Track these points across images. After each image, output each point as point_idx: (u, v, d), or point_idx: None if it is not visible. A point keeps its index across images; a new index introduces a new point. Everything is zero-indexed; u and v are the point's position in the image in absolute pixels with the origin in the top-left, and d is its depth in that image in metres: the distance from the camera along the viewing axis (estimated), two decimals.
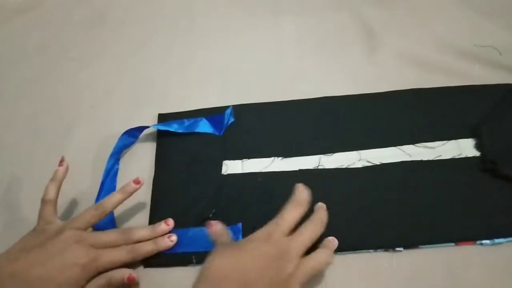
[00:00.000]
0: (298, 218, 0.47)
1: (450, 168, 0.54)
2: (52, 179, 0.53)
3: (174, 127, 0.61)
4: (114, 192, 0.52)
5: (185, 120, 0.61)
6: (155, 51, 0.74)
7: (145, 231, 0.51)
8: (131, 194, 0.52)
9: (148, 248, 0.50)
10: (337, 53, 0.70)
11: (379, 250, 0.50)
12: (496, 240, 0.49)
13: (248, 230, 0.51)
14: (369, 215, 0.52)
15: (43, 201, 0.51)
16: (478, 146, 0.56)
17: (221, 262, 0.42)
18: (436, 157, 0.56)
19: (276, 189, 0.55)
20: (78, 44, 0.77)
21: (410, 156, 0.56)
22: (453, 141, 0.57)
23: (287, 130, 0.60)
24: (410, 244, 0.50)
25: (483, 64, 0.65)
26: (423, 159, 0.55)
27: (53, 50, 0.76)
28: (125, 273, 0.48)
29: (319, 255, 0.46)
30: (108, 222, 0.54)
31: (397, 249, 0.49)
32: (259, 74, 0.68)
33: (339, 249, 0.50)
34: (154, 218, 0.55)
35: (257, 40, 0.73)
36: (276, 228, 0.45)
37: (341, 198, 0.53)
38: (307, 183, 0.55)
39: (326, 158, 0.57)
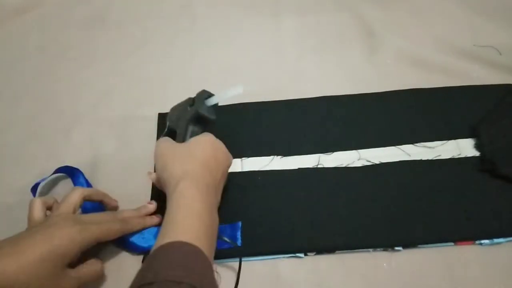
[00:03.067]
0: None
1: (450, 167, 0.55)
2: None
3: None
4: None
5: None
6: (155, 51, 0.74)
7: (130, 212, 0.53)
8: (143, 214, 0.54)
9: (137, 222, 0.52)
10: (337, 53, 0.70)
11: (378, 249, 0.50)
12: (495, 240, 0.49)
13: (247, 229, 0.51)
14: (368, 214, 0.52)
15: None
16: (477, 146, 0.56)
17: (160, 146, 0.51)
18: (436, 156, 0.56)
19: (276, 187, 0.55)
20: (78, 44, 0.77)
21: (410, 155, 0.56)
22: (453, 141, 0.57)
23: (287, 129, 0.60)
24: (409, 243, 0.50)
25: (483, 64, 0.65)
26: (423, 159, 0.55)
27: (53, 50, 0.76)
28: None
29: None
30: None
31: (396, 248, 0.49)
32: (259, 74, 0.68)
33: (338, 248, 0.50)
34: None
35: (257, 40, 0.73)
36: None
37: (340, 197, 0.53)
38: (306, 182, 0.55)
39: (325, 157, 0.57)
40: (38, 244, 0.42)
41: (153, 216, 0.53)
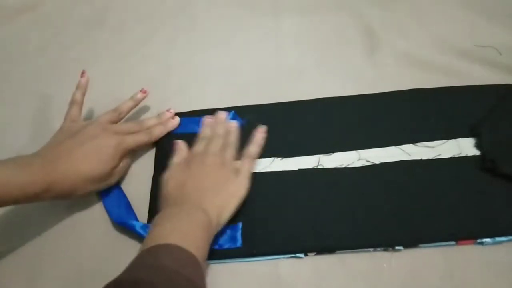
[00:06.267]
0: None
1: (450, 167, 0.54)
2: (77, 88, 0.61)
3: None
4: (127, 100, 0.62)
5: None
6: (155, 51, 0.74)
7: (154, 120, 0.61)
8: (139, 101, 0.62)
9: (160, 129, 0.60)
10: (337, 53, 0.70)
11: (378, 249, 0.50)
12: (497, 239, 0.49)
13: (248, 229, 0.51)
14: (369, 214, 0.52)
15: (70, 103, 0.59)
16: (477, 145, 0.56)
17: (172, 181, 0.53)
18: (436, 156, 0.56)
19: (276, 189, 0.55)
20: (78, 44, 0.77)
21: (410, 155, 0.56)
22: (453, 140, 0.57)
23: (287, 131, 0.60)
24: (410, 243, 0.50)
25: (483, 64, 0.65)
26: (423, 158, 0.55)
27: (53, 50, 0.76)
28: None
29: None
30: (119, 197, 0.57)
31: (397, 248, 0.49)
32: (259, 74, 0.68)
33: (338, 249, 0.50)
34: (152, 218, 0.54)
35: (257, 40, 0.73)
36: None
37: (340, 198, 0.53)
38: (306, 183, 0.55)
39: (325, 158, 0.57)
40: (87, 152, 0.52)
41: (173, 119, 0.62)
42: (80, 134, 0.54)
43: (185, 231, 0.44)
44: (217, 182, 0.51)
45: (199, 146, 0.57)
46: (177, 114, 0.64)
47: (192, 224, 0.45)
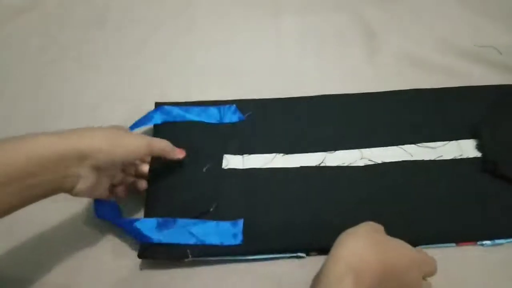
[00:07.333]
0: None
1: (451, 168, 0.54)
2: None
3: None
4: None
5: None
6: (155, 51, 0.74)
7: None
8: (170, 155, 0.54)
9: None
10: (338, 53, 0.70)
11: None
12: (497, 241, 0.49)
13: (249, 226, 0.51)
14: (369, 214, 0.51)
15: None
16: (479, 147, 0.56)
17: (360, 249, 0.39)
18: (438, 157, 0.56)
19: (277, 185, 0.55)
20: (78, 44, 0.76)
21: (412, 155, 0.56)
22: (454, 141, 0.57)
23: (289, 127, 0.60)
24: (411, 243, 0.49)
25: (483, 64, 0.65)
26: (425, 159, 0.55)
27: (53, 50, 0.76)
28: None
29: None
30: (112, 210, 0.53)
31: None
32: (259, 74, 0.68)
33: None
34: (150, 211, 0.54)
35: (257, 40, 0.73)
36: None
37: (342, 196, 0.53)
38: (308, 180, 0.55)
39: (327, 156, 0.57)
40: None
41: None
42: None
43: None
44: None
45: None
46: (174, 103, 0.63)
47: None
